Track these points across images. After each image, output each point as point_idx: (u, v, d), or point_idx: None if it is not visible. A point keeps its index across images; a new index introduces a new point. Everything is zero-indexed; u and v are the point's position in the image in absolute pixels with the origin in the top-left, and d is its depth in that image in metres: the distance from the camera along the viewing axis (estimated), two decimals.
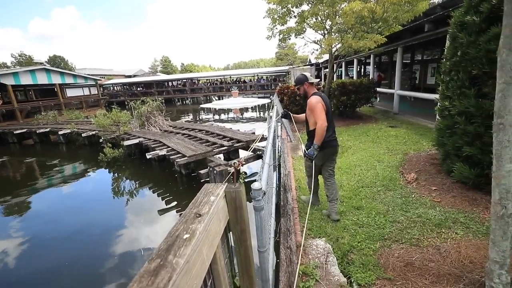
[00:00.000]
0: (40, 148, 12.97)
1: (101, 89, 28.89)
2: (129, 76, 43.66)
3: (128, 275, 3.69)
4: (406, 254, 2.21)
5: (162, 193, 6.35)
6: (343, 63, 15.15)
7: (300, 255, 2.20)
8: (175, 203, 5.81)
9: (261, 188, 1.51)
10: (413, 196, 3.17)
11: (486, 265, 1.70)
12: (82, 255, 4.29)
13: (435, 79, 10.92)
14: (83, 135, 10.98)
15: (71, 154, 11.35)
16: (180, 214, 5.10)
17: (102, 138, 9.55)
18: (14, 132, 13.53)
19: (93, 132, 10.77)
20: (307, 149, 2.78)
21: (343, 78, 16.09)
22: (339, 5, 7.09)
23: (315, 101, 2.65)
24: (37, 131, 13.10)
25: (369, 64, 15.98)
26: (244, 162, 6.29)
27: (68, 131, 12.06)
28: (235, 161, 5.77)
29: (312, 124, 2.74)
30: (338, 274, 2.12)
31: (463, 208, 2.78)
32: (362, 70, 16.98)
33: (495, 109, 1.50)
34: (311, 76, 2.87)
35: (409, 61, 13.22)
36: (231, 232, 1.56)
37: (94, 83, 24.74)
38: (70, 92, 24.46)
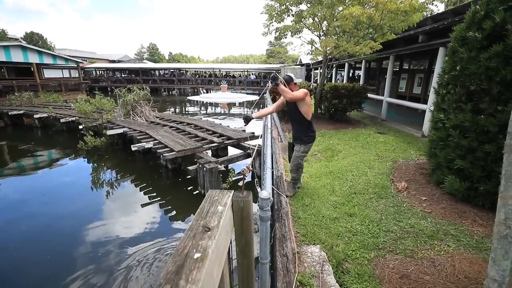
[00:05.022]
0: (11, 131, 12.10)
1: (83, 72, 27.41)
2: (113, 61, 41.89)
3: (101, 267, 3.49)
4: (401, 266, 2.20)
5: (145, 187, 6.11)
6: (335, 66, 15.30)
7: (297, 263, 2.13)
8: (158, 198, 5.59)
9: (270, 197, 1.41)
10: (404, 205, 3.20)
11: (484, 283, 1.71)
12: (53, 250, 4.01)
13: (420, 89, 11.27)
14: (61, 120, 10.35)
15: (47, 140, 10.67)
16: (164, 210, 4.82)
17: (83, 125, 9.03)
18: None
19: (73, 118, 10.18)
20: (296, 139, 3.30)
21: (333, 81, 16.28)
22: (337, 8, 7.08)
23: (306, 91, 3.07)
24: (9, 113, 12.20)
25: (359, 68, 16.25)
26: (252, 169, 6.17)
27: (45, 115, 11.33)
28: (244, 168, 5.65)
29: (305, 113, 3.12)
30: (334, 284, 2.08)
31: (453, 220, 2.84)
32: (351, 74, 17.24)
33: (508, 130, 1.49)
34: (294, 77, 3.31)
35: (398, 69, 13.55)
36: (233, 243, 1.45)
37: (75, 65, 23.42)
38: (48, 73, 22.99)
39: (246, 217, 1.34)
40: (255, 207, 1.57)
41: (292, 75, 3.28)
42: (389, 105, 9.01)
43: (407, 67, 12.95)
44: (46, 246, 4.11)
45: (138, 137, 7.08)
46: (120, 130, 8.00)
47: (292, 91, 3.09)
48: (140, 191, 5.98)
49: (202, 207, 1.24)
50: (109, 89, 28.81)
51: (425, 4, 6.59)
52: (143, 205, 5.32)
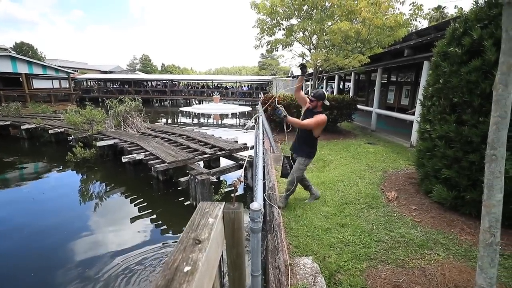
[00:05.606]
0: None
1: (73, 83, 27.14)
2: (105, 72, 41.71)
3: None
4: (393, 276, 2.21)
5: (136, 199, 5.99)
6: (325, 78, 15.67)
7: (289, 276, 2.12)
8: (149, 210, 5.49)
9: (261, 208, 1.42)
10: (395, 215, 3.24)
11: None
12: (37, 267, 3.85)
13: (408, 100, 11.62)
14: (50, 131, 10.14)
15: (34, 152, 10.40)
16: (155, 224, 4.75)
17: (72, 137, 8.87)
18: None
19: (62, 129, 9.99)
20: (299, 151, 3.32)
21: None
22: (326, 23, 7.34)
23: (325, 119, 3.15)
24: None
25: (348, 80, 16.68)
26: (242, 180, 6.14)
27: (33, 126, 11.09)
28: (235, 180, 5.60)
29: (315, 133, 3.18)
30: None
31: (442, 229, 2.88)
32: (341, 86, 17.66)
33: (488, 141, 1.56)
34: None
35: (386, 81, 13.99)
36: (224, 255, 1.44)
37: (66, 76, 23.20)
38: (37, 84, 22.64)
39: (237, 229, 1.34)
40: (247, 219, 1.57)
41: (323, 91, 3.23)
42: (378, 116, 9.23)
43: (395, 79, 13.38)
44: (29, 263, 3.94)
45: (129, 149, 7.00)
46: (111, 141, 7.89)
47: (318, 107, 3.15)
48: (130, 203, 5.85)
49: (193, 219, 1.23)
50: (100, 100, 28.55)
51: (409, 20, 6.91)
52: (132, 219, 5.20)
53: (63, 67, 25.04)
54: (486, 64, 2.71)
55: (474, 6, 3.12)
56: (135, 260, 3.88)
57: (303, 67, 3.20)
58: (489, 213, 1.60)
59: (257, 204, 1.42)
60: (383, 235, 2.81)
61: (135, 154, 6.39)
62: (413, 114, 7.38)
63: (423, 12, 6.88)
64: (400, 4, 6.64)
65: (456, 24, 3.24)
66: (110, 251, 4.13)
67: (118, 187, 6.76)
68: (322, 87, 17.36)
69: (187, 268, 0.88)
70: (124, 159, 6.28)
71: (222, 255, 1.38)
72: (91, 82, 34.23)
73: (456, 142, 3.05)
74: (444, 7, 26.45)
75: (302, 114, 3.37)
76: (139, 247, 4.23)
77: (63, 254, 4.14)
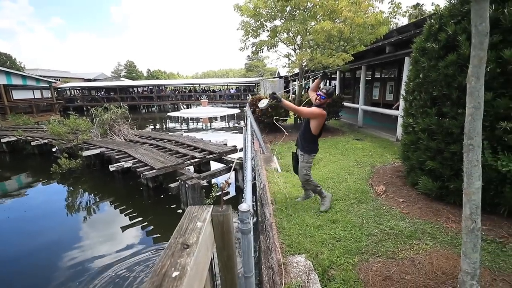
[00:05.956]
0: None
1: (56, 92, 26.38)
2: (89, 80, 40.81)
3: None
4: (383, 268, 2.26)
5: (126, 208, 5.88)
6: (311, 77, 15.86)
7: (283, 275, 2.13)
8: (140, 218, 5.40)
9: (249, 209, 1.43)
10: (384, 208, 3.32)
11: (459, 276, 1.80)
12: (25, 284, 3.72)
13: (392, 96, 11.91)
14: (32, 143, 9.81)
15: (17, 165, 10.03)
16: (146, 231, 4.70)
17: (57, 148, 8.62)
18: None
19: (46, 141, 9.69)
20: (299, 146, 3.37)
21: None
22: (309, 23, 7.44)
23: (321, 112, 3.12)
24: None
25: (334, 79, 16.93)
26: (230, 182, 6.12)
27: (14, 138, 10.70)
28: (222, 182, 5.56)
29: (313, 127, 3.14)
30: None
31: (429, 219, 2.97)
32: (327, 84, 17.91)
33: (465, 131, 1.63)
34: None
35: (370, 78, 14.30)
36: (215, 258, 1.44)
37: (48, 85, 22.54)
38: (17, 95, 21.91)
39: (227, 231, 1.34)
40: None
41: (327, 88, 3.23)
42: (364, 113, 9.42)
43: (379, 76, 13.67)
44: (15, 280, 3.80)
45: (117, 157, 6.86)
46: (97, 151, 7.72)
47: (323, 103, 3.15)
48: (121, 212, 5.74)
49: (181, 224, 1.23)
50: (85, 108, 27.78)
51: (389, 18, 7.10)
52: (123, 228, 5.10)
53: (44, 76, 24.38)
54: (462, 58, 2.82)
55: (448, 3, 3.25)
56: (126, 268, 3.81)
57: (324, 74, 3.60)
58: (470, 201, 1.67)
59: (245, 205, 1.43)
60: (373, 229, 2.86)
61: (123, 162, 6.27)
62: (397, 109, 7.58)
63: (401, 10, 7.08)
64: (380, 2, 6.81)
65: (432, 21, 3.36)
66: (102, 262, 4.04)
67: (107, 197, 6.61)
68: (309, 87, 17.56)
69: (175, 274, 0.88)
70: (112, 168, 6.15)
71: (213, 258, 1.38)
72: (75, 90, 33.40)
73: (438, 134, 3.15)
74: (422, 4, 27.32)
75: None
76: (131, 256, 4.15)
77: (53, 269, 4.01)
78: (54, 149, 8.81)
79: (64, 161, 7.56)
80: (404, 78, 6.46)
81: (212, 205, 1.37)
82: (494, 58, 2.51)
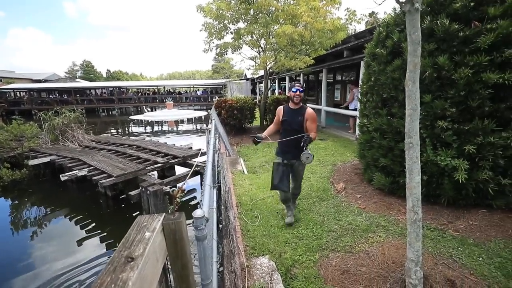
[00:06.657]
0: None
1: None
2: (39, 81, 37.09)
3: None
4: (342, 262, 2.37)
5: (82, 219, 5.43)
6: (277, 79, 16.19)
7: (247, 278, 2.12)
8: (98, 230, 5.02)
9: (204, 215, 1.39)
10: (343, 204, 3.49)
11: (405, 264, 1.95)
12: None
13: None
14: None
15: None
16: (105, 243, 4.37)
17: None
18: None
19: None
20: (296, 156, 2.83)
21: (275, 93, 17.15)
22: (272, 27, 7.59)
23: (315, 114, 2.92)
24: None
25: (298, 81, 17.45)
26: (185, 190, 5.90)
27: None
28: (174, 189, 5.36)
29: (312, 132, 2.86)
30: None
31: (383, 212, 3.19)
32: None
33: (405, 131, 1.77)
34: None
35: (332, 81, 15.04)
36: (169, 268, 1.38)
37: None
38: None
39: (180, 240, 1.29)
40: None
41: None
42: (327, 114, 9.85)
43: (340, 79, 14.42)
44: None
45: (69, 165, 6.30)
46: (47, 159, 7.02)
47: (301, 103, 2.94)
48: (76, 224, 5.29)
49: (128, 235, 1.15)
50: (33, 112, 25.20)
51: (346, 24, 7.53)
52: (79, 241, 4.69)
53: None
54: (405, 63, 3.06)
55: (394, 13, 3.54)
56: (79, 283, 3.50)
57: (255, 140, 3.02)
58: (412, 194, 1.82)
59: (200, 211, 1.39)
60: (333, 225, 2.99)
61: (77, 171, 5.78)
62: (346, 108, 8.11)
63: (356, 17, 7.56)
64: (336, 9, 7.20)
65: (381, 28, 3.63)
66: (54, 280, 3.66)
67: (59, 209, 6.04)
68: (275, 88, 17.91)
69: None
70: (63, 177, 5.64)
71: (167, 269, 1.32)
72: (21, 92, 30.06)
73: (388, 133, 3.40)
74: (377, 12, 29.53)
75: (284, 121, 3.01)
76: (86, 271, 3.83)
77: None
78: None
79: (5, 172, 6.74)
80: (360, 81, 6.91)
81: (164, 214, 1.31)
82: (431, 64, 2.79)
